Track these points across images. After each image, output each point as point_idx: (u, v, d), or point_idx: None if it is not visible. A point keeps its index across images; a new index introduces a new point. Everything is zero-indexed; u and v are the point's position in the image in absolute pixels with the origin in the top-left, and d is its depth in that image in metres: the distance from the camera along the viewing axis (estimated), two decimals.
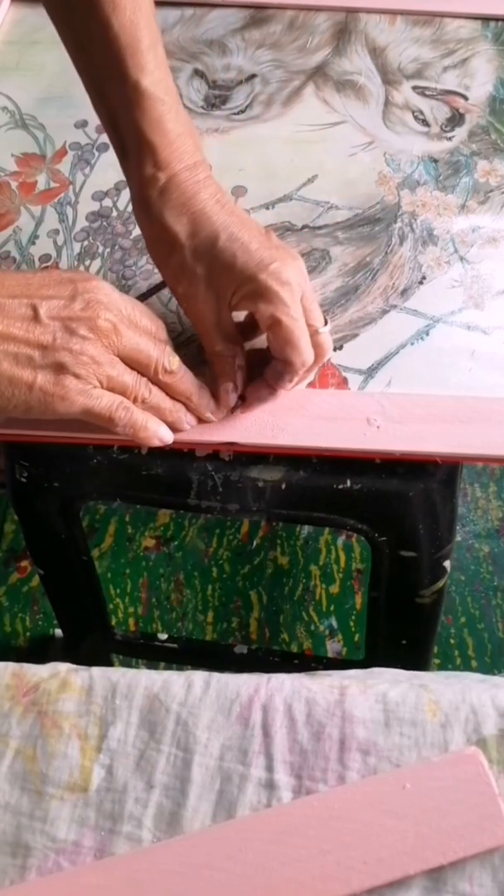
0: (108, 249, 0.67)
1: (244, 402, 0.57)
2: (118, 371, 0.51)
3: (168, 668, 1.01)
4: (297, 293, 0.52)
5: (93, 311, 0.50)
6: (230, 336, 0.55)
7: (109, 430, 0.52)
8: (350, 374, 0.60)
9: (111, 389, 0.51)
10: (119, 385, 0.51)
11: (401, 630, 0.76)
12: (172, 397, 0.55)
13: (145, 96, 0.53)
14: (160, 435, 0.54)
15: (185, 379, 0.55)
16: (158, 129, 0.54)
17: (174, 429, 0.55)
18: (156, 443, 0.54)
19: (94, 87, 0.57)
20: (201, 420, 0.57)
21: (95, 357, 0.50)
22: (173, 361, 0.53)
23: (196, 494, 0.62)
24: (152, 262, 0.66)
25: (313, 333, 0.54)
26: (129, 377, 0.52)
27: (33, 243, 0.68)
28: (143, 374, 0.53)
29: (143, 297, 0.63)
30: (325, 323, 0.55)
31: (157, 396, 0.54)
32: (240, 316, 0.58)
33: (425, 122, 0.75)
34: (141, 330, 0.53)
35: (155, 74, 0.54)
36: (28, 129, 0.76)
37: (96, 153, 0.73)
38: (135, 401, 0.53)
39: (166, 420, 0.55)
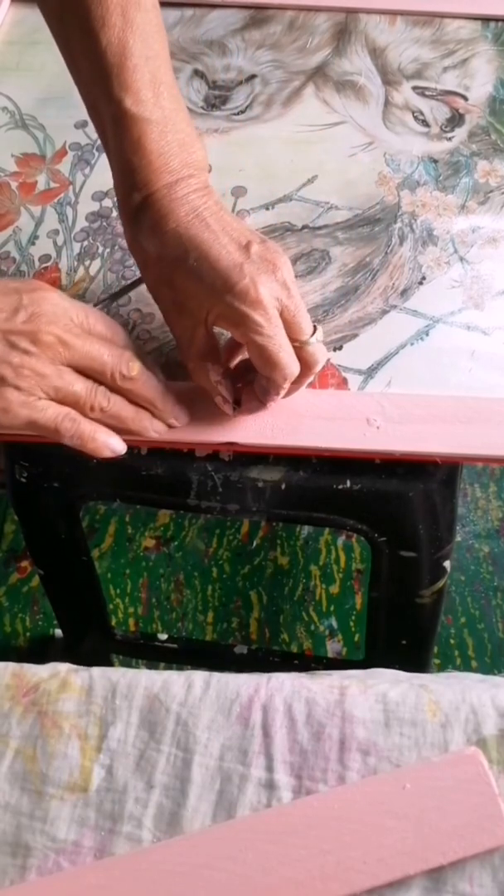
0: (107, 250, 0.67)
1: (239, 407, 0.56)
2: (66, 381, 0.50)
3: (168, 668, 1.01)
4: (270, 309, 0.50)
5: (34, 324, 0.49)
6: (202, 355, 0.54)
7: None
8: (350, 374, 0.60)
9: (60, 400, 0.51)
10: (69, 395, 0.51)
11: (401, 630, 0.76)
12: (137, 404, 0.54)
13: (126, 116, 0.52)
14: (111, 446, 0.53)
15: (147, 385, 0.53)
16: (137, 150, 0.52)
17: (141, 436, 0.55)
18: (107, 454, 0.53)
19: (86, 103, 0.57)
20: (169, 426, 0.56)
21: (38, 370, 0.49)
22: (133, 367, 0.52)
23: (196, 495, 0.62)
24: None
25: (298, 347, 0.53)
26: (79, 386, 0.51)
27: (33, 243, 0.68)
28: (101, 382, 0.52)
29: (120, 293, 0.63)
30: (315, 332, 0.54)
31: (118, 405, 0.53)
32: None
33: (425, 123, 0.75)
34: (95, 337, 0.52)
35: (141, 94, 0.53)
36: (28, 129, 0.76)
37: (96, 153, 0.73)
38: (91, 409, 0.52)
39: (129, 429, 0.54)
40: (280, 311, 0.51)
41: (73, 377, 0.51)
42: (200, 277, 0.51)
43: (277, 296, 0.51)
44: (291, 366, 0.52)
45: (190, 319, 0.53)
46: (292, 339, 0.52)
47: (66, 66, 0.57)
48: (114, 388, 0.53)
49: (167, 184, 0.52)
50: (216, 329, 0.55)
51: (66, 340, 0.50)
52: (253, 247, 0.52)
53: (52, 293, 0.51)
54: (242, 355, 0.58)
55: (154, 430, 0.55)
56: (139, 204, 0.53)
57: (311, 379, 0.58)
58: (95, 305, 0.64)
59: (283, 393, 0.54)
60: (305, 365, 0.54)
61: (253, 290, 0.50)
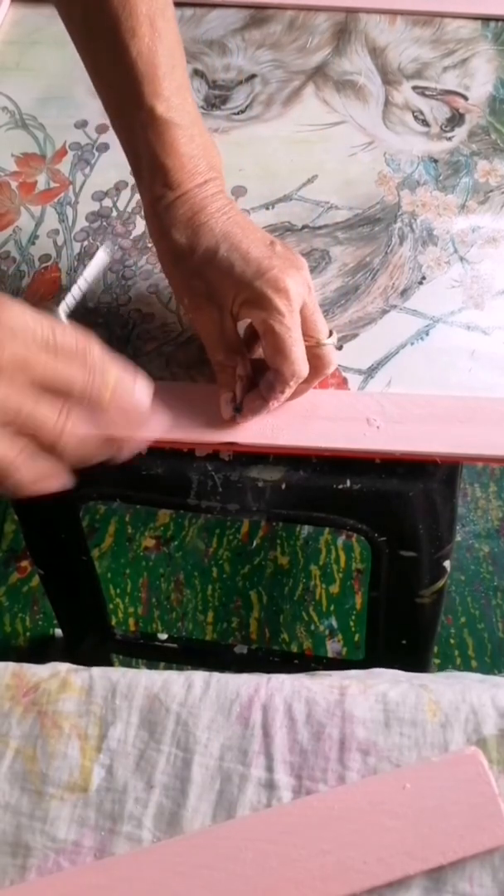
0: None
1: (241, 412, 0.56)
2: (31, 405, 0.45)
3: (168, 668, 1.01)
4: (294, 302, 0.52)
5: None
6: (232, 346, 0.55)
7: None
8: (350, 374, 0.60)
9: (23, 425, 0.45)
10: (38, 419, 0.45)
11: (401, 630, 0.76)
12: (113, 421, 0.47)
13: (159, 122, 0.55)
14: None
15: (123, 399, 0.47)
16: (172, 153, 0.55)
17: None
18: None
19: (111, 108, 0.58)
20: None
21: None
22: (108, 381, 0.46)
23: (196, 494, 0.62)
24: (152, 262, 0.66)
25: (314, 346, 0.54)
26: (47, 409, 0.45)
27: (33, 243, 0.68)
28: (70, 401, 0.46)
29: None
30: (330, 335, 0.55)
31: (85, 426, 0.46)
32: (244, 325, 0.57)
33: (425, 122, 0.75)
34: (63, 352, 0.45)
35: (171, 101, 0.55)
36: (28, 129, 0.76)
37: (96, 153, 0.73)
38: (57, 434, 0.46)
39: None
40: (301, 308, 0.53)
41: (40, 398, 0.45)
42: (231, 266, 0.53)
43: (301, 292, 0.53)
44: (301, 363, 0.53)
45: (217, 311, 0.55)
46: (310, 338, 0.54)
47: (90, 75, 0.59)
48: (86, 406, 0.47)
49: (198, 184, 0.55)
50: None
51: (30, 360, 0.44)
52: (276, 246, 0.54)
53: (13, 309, 0.44)
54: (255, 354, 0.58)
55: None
56: (172, 201, 0.55)
57: (317, 382, 0.58)
58: (94, 306, 0.64)
59: (287, 393, 0.55)
60: (319, 364, 0.55)
61: (282, 279, 0.52)
